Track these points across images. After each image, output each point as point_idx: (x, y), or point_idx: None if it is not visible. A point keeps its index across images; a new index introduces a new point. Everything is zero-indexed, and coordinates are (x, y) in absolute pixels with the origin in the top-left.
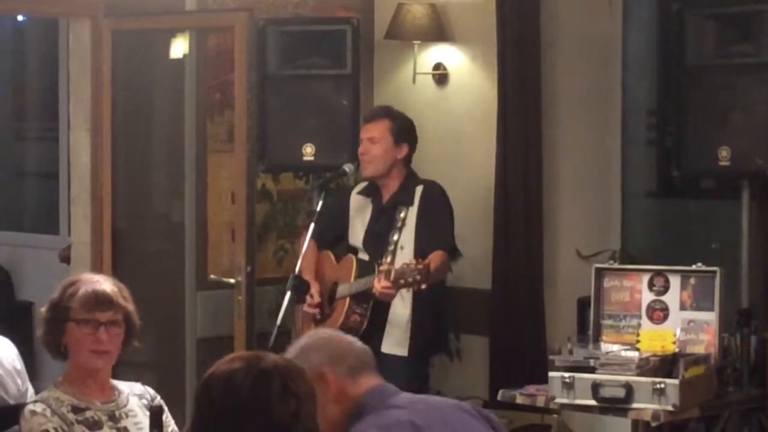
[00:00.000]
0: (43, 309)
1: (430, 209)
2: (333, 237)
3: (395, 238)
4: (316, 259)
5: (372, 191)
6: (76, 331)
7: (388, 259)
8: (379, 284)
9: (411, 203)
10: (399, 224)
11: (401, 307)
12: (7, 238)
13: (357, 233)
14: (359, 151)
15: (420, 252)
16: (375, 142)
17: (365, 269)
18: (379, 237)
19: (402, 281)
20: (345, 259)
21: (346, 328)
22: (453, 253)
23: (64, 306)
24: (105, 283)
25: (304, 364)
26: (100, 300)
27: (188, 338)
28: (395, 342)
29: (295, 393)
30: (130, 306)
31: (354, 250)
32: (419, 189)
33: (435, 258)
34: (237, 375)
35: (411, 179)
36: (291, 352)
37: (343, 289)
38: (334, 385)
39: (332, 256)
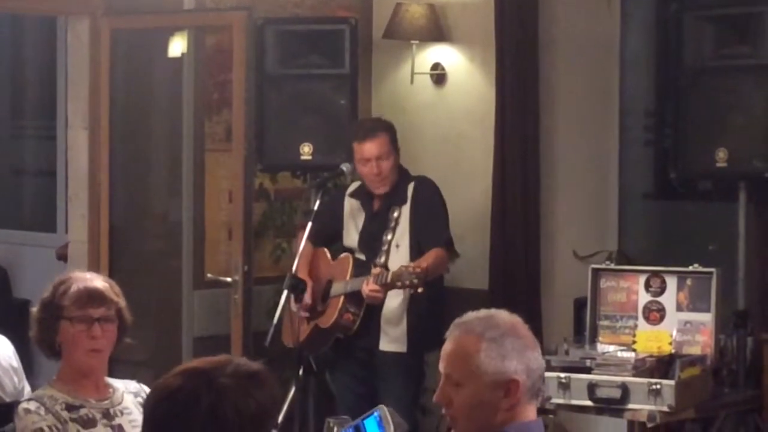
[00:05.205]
0: (35, 309)
1: (422, 205)
2: (328, 237)
3: (388, 237)
4: (311, 258)
5: (363, 193)
6: (71, 329)
7: (382, 259)
8: (367, 287)
9: (404, 201)
10: (392, 224)
11: (396, 305)
12: (5, 235)
13: (351, 235)
14: (372, 171)
15: (416, 249)
16: (385, 158)
17: (362, 268)
18: (375, 237)
19: (399, 283)
20: (342, 257)
21: (338, 326)
22: (449, 246)
23: (57, 304)
24: (96, 280)
25: (494, 360)
26: (92, 296)
27: (185, 337)
28: (392, 339)
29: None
30: (122, 302)
31: (350, 252)
32: (411, 186)
33: (431, 256)
34: (180, 391)
35: (403, 178)
36: (480, 328)
37: (337, 288)
38: (518, 398)
39: (328, 254)
